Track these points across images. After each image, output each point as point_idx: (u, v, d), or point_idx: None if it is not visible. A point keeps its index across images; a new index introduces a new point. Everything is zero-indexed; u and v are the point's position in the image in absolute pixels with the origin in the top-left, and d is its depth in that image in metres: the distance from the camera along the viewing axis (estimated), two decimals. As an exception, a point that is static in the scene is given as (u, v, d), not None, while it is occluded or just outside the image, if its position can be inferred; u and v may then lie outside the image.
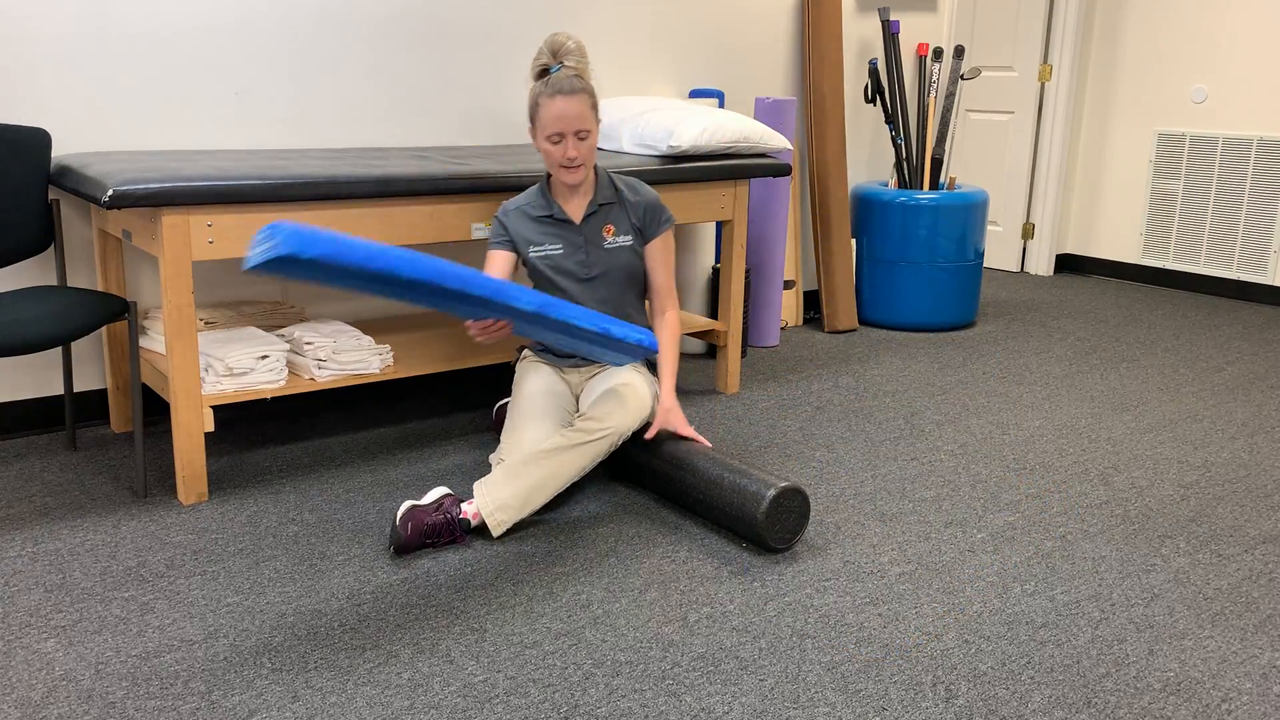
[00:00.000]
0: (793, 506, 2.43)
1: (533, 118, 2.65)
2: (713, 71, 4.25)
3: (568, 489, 2.77)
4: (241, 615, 2.14)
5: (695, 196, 3.37)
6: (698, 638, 2.08)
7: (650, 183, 3.21)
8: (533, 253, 2.72)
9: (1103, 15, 5.60)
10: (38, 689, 1.88)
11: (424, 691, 1.90)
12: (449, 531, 2.43)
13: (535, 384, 2.79)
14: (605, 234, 2.75)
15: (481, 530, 2.51)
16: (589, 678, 1.95)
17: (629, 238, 2.78)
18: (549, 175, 2.76)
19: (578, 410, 2.84)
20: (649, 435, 2.69)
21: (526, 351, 2.94)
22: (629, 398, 2.65)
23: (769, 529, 2.40)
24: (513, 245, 2.74)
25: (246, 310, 3.15)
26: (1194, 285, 5.43)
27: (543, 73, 2.65)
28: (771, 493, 2.39)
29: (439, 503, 2.46)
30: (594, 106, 2.64)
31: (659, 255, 2.84)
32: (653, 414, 2.77)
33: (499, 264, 2.74)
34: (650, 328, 2.94)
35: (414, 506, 2.43)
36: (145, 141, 3.11)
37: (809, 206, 4.66)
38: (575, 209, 2.75)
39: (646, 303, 3.03)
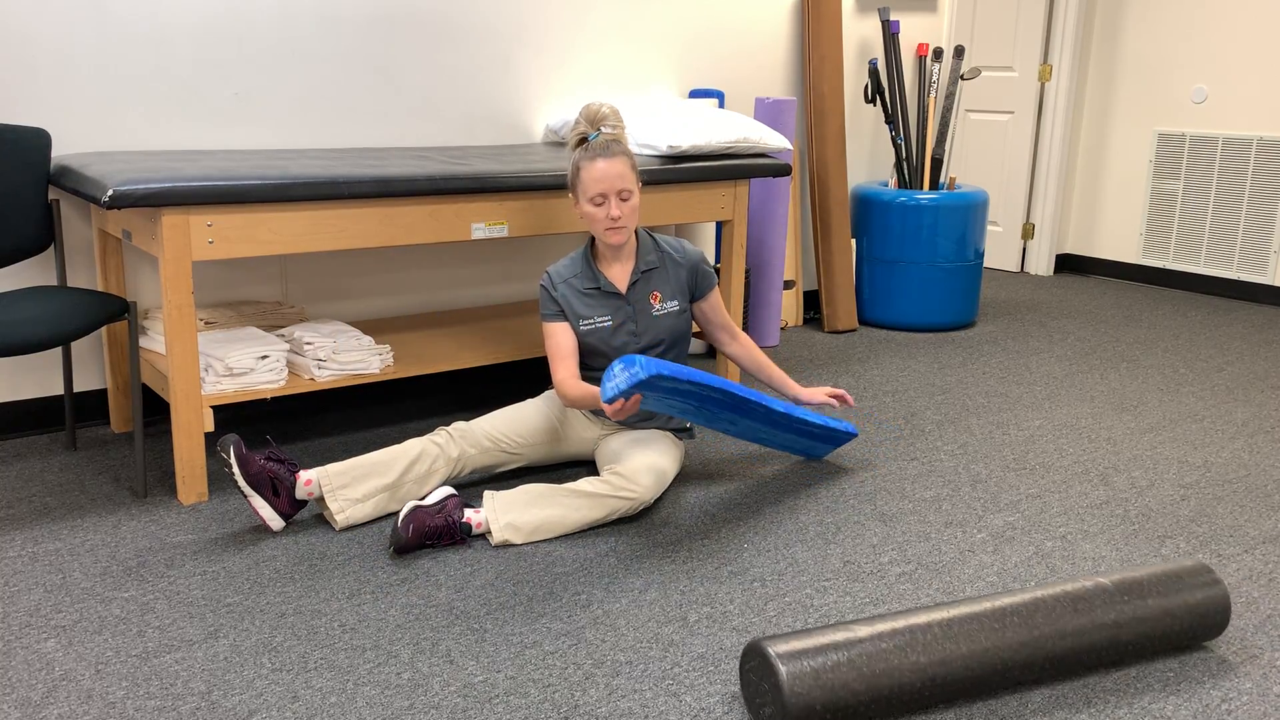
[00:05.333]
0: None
1: (573, 184, 2.65)
2: (713, 71, 4.25)
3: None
4: (241, 615, 2.14)
5: (695, 196, 3.37)
6: (698, 638, 2.08)
7: (650, 183, 3.21)
8: (582, 326, 2.71)
9: (1103, 15, 5.60)
10: (38, 689, 1.88)
11: (424, 691, 1.90)
12: (449, 535, 2.43)
13: (547, 406, 2.82)
14: (652, 301, 2.74)
15: (481, 536, 2.50)
16: (589, 678, 1.95)
17: (675, 303, 2.77)
18: (592, 241, 2.76)
19: (596, 460, 2.83)
20: (809, 400, 2.90)
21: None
22: (664, 468, 2.63)
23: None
24: (565, 317, 2.72)
25: (246, 310, 3.15)
26: (1194, 285, 5.42)
27: (581, 141, 2.66)
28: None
29: (442, 504, 2.46)
30: (634, 168, 2.64)
31: (713, 308, 2.87)
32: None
33: (565, 336, 2.70)
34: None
35: (417, 507, 2.42)
36: (145, 141, 3.11)
37: (809, 206, 4.66)
38: (620, 276, 2.73)
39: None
